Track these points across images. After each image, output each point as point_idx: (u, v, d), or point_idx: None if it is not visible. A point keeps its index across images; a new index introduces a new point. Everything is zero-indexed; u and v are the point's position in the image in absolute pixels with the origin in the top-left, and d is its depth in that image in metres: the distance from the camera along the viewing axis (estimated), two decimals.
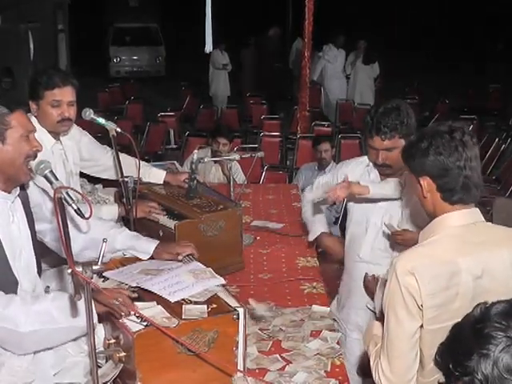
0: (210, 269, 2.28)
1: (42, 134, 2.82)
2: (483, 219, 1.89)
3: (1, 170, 2.07)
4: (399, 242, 2.64)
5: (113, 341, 1.96)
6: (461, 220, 1.84)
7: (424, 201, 1.90)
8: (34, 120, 2.84)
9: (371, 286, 2.32)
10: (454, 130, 1.85)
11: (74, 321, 1.94)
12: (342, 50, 10.39)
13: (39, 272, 2.27)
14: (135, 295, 2.06)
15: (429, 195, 1.86)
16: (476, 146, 1.86)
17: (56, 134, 2.97)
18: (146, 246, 2.46)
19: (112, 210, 3.01)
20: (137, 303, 2.02)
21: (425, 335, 1.79)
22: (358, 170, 2.91)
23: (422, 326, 1.79)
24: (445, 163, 1.81)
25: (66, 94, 2.87)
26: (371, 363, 1.95)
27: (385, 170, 2.74)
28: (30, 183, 2.27)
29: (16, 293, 2.09)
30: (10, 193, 2.13)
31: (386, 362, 1.83)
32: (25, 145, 2.09)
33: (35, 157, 2.13)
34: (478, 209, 1.90)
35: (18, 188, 2.18)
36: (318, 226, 3.14)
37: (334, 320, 2.57)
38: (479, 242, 1.82)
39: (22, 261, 2.17)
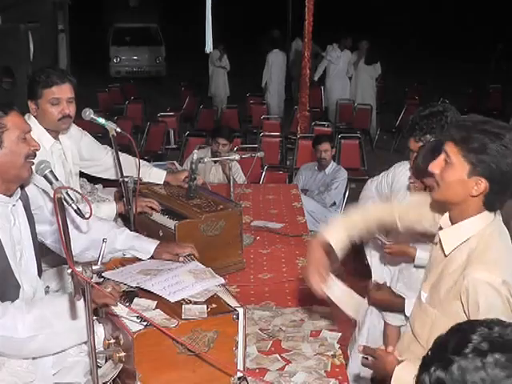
0: (210, 269, 2.28)
1: (40, 134, 2.82)
2: None
3: (1, 173, 2.07)
4: (387, 253, 2.68)
5: (113, 341, 1.96)
6: (487, 218, 1.85)
7: (461, 193, 1.80)
8: (32, 120, 2.84)
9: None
10: None
11: (72, 324, 1.94)
12: (346, 51, 10.36)
13: (39, 274, 2.28)
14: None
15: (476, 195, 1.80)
16: None
17: (55, 133, 2.97)
18: (147, 246, 2.45)
19: (110, 208, 3.01)
20: (136, 301, 2.03)
21: None
22: (404, 172, 2.89)
23: None
24: (510, 173, 1.75)
25: (64, 92, 2.88)
26: None
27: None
28: (31, 185, 2.27)
29: (18, 297, 2.09)
30: (11, 196, 2.13)
31: None
32: (23, 146, 2.09)
33: (35, 155, 2.13)
34: None
35: (20, 191, 2.17)
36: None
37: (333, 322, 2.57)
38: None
39: (23, 264, 2.17)
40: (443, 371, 1.08)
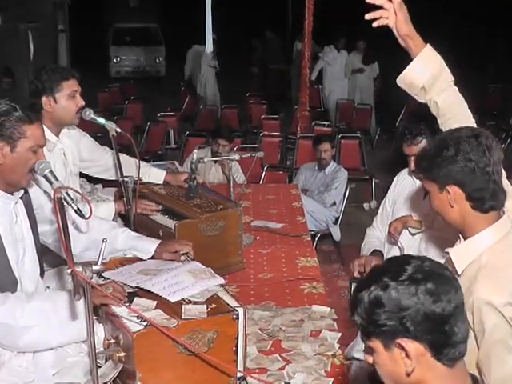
0: (210, 269, 2.27)
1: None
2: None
3: (2, 175, 2.08)
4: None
5: (112, 341, 1.96)
6: (500, 232, 1.80)
7: (449, 211, 1.83)
8: None
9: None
10: (479, 134, 1.79)
11: (70, 321, 1.95)
12: (343, 52, 10.34)
13: (41, 274, 2.28)
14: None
15: (456, 205, 1.80)
16: (499, 149, 1.82)
17: (57, 131, 2.96)
18: (148, 246, 2.46)
19: (109, 207, 3.01)
20: (136, 301, 2.03)
21: None
22: (404, 176, 2.95)
23: None
24: (475, 169, 1.75)
25: (77, 85, 2.92)
26: None
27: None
28: (33, 185, 2.28)
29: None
30: (12, 194, 2.14)
31: None
32: (31, 157, 2.10)
33: None
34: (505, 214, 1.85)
35: (22, 190, 2.18)
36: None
37: (334, 320, 2.57)
38: None
39: (26, 262, 2.17)
40: (382, 291, 1.31)
